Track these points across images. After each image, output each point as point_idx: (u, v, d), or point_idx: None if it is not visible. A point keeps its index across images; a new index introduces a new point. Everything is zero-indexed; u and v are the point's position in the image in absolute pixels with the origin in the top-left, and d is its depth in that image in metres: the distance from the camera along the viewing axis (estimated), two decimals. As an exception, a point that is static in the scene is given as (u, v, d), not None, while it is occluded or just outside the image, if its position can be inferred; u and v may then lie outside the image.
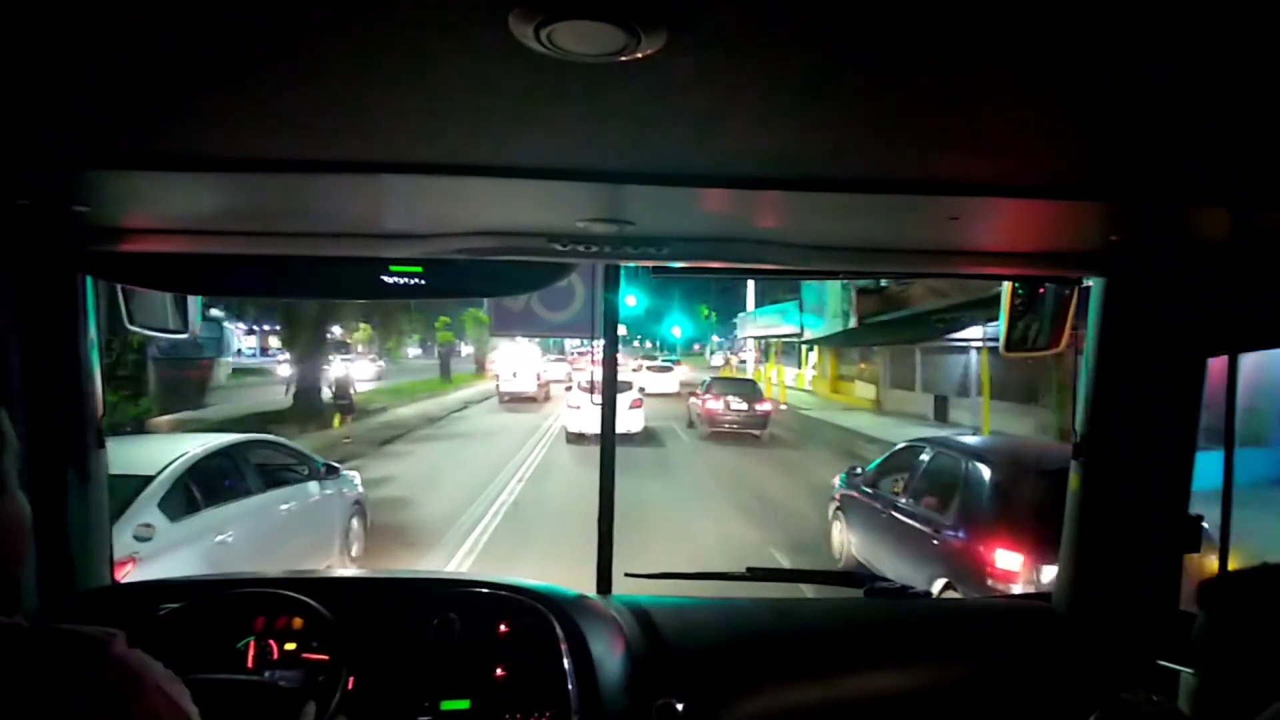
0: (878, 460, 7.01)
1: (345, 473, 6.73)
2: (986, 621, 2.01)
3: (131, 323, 1.80)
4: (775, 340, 34.15)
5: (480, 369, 34.65)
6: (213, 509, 4.86)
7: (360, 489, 6.86)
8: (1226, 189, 1.13)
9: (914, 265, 1.76)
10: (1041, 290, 1.88)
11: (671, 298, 46.28)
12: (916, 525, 5.52)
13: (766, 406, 16.42)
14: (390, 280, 1.65)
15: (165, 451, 4.87)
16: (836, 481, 7.55)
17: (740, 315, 37.76)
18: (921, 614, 2.02)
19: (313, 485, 6.15)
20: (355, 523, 6.63)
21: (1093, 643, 1.85)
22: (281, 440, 6.79)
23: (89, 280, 1.75)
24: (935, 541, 5.17)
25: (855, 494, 6.81)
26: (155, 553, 4.15)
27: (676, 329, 50.39)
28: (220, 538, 4.80)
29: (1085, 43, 0.69)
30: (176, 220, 1.44)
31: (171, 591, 1.74)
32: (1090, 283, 1.83)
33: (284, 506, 5.73)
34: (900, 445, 6.91)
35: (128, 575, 3.89)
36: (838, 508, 7.20)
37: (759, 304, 35.00)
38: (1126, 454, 1.81)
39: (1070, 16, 0.64)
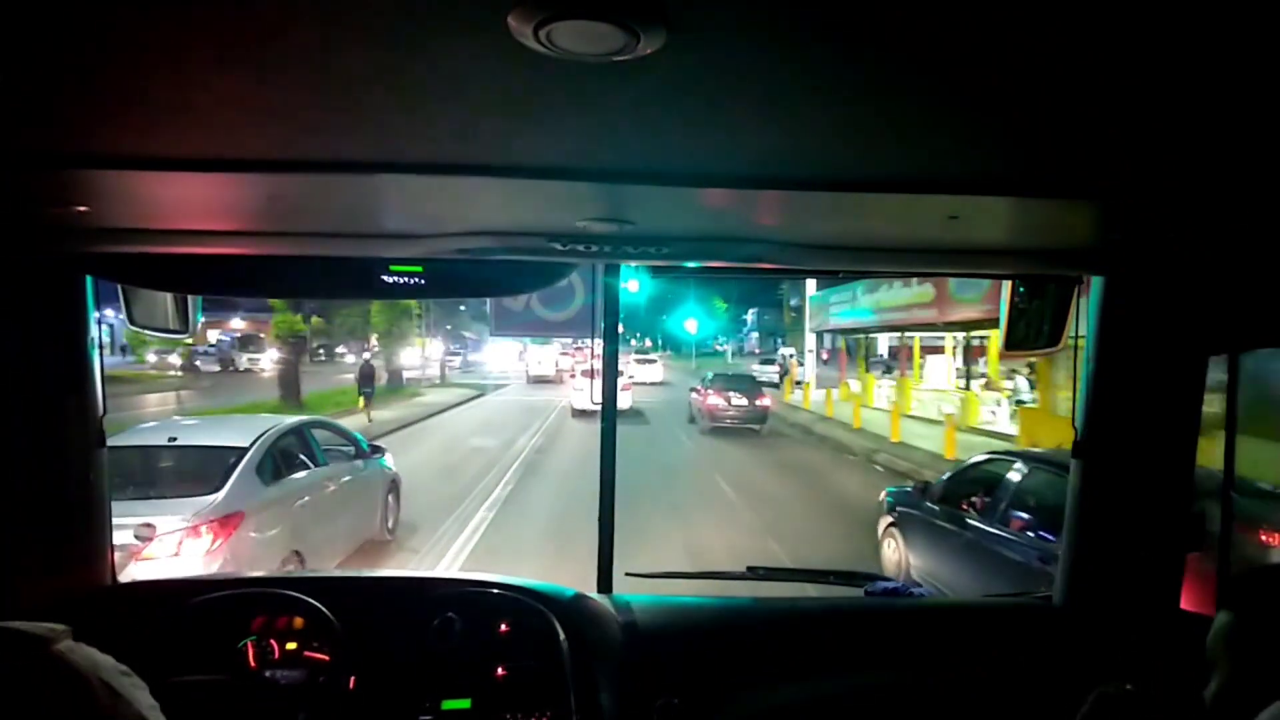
0: (944, 476, 6.21)
1: (385, 455, 7.37)
2: (987, 620, 1.98)
3: (133, 322, 1.80)
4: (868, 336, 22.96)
5: (398, 382, 22.53)
6: (291, 477, 5.56)
7: (395, 470, 7.38)
8: (1227, 187, 1.09)
9: (914, 264, 1.74)
10: (1043, 288, 1.84)
11: (684, 284, 38.86)
12: (1009, 549, 4.94)
13: (766, 402, 16.53)
14: (390, 280, 1.64)
15: (247, 428, 5.58)
16: (884, 498, 6.79)
17: (809, 298, 26.36)
18: (922, 613, 1.99)
19: (360, 463, 6.72)
20: (391, 499, 7.15)
21: (1093, 641, 1.81)
22: (334, 422, 7.50)
23: (89, 280, 1.74)
24: (1041, 561, 4.60)
25: (916, 512, 6.13)
26: (258, 509, 4.93)
27: (691, 322, 38.77)
28: (299, 502, 5.50)
29: (1085, 42, 0.68)
30: (177, 220, 1.43)
31: (173, 592, 1.74)
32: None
33: (342, 479, 6.31)
34: (976, 459, 6.11)
35: (236, 532, 4.65)
36: (892, 524, 6.49)
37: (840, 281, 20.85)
38: (1128, 452, 1.79)
39: (1069, 16, 0.63)
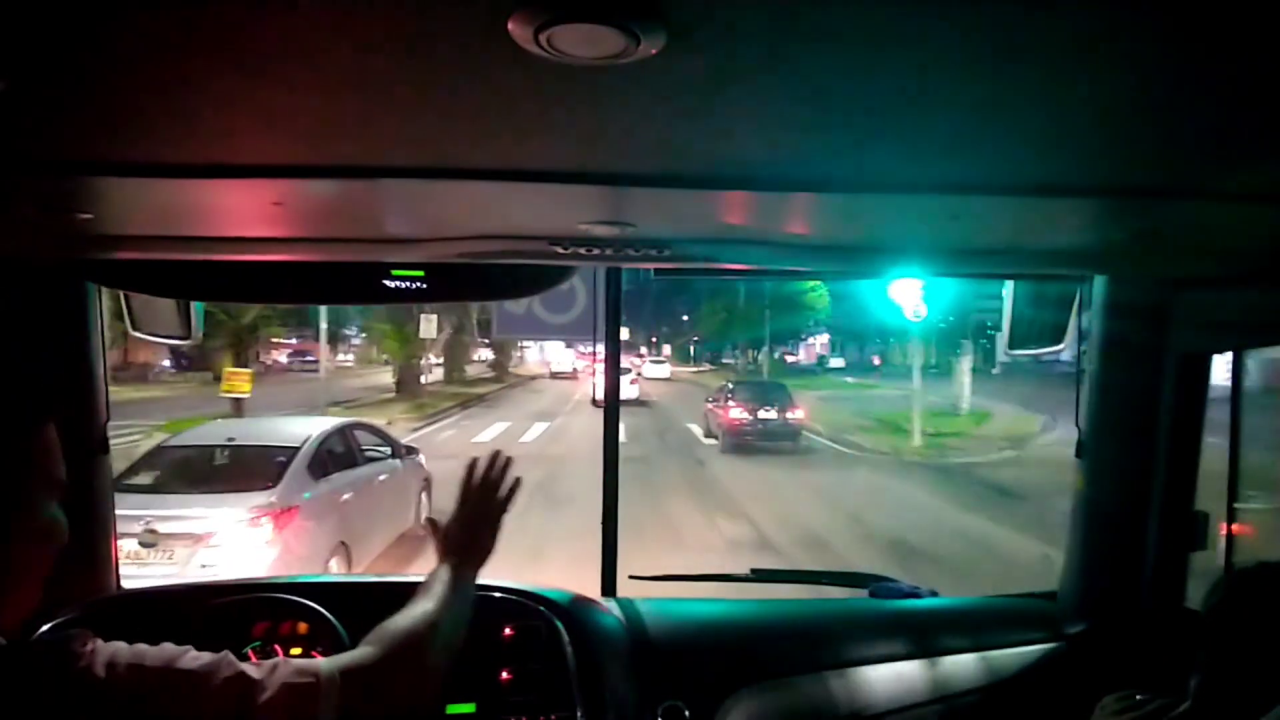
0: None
1: (419, 455, 7.86)
2: (991, 621, 2.00)
3: (136, 329, 1.84)
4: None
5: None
6: (337, 474, 6.05)
7: (428, 469, 7.83)
8: (1229, 185, 1.09)
9: (916, 265, 1.75)
10: (1046, 286, 1.86)
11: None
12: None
13: (799, 414, 14.21)
14: (392, 285, 1.68)
15: (297, 430, 6.27)
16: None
17: None
18: (926, 614, 2.01)
19: (396, 462, 7.17)
20: (424, 497, 7.58)
21: (1098, 642, 1.82)
22: (373, 423, 8.02)
23: (92, 287, 1.77)
24: None
25: None
26: (310, 503, 5.44)
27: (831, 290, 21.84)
28: (344, 497, 5.98)
29: (1085, 40, 0.69)
30: (180, 227, 1.45)
31: (177, 597, 1.76)
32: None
33: (380, 477, 6.81)
34: None
35: (291, 524, 5.21)
36: None
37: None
38: (1130, 452, 1.80)
39: (1069, 16, 0.64)
